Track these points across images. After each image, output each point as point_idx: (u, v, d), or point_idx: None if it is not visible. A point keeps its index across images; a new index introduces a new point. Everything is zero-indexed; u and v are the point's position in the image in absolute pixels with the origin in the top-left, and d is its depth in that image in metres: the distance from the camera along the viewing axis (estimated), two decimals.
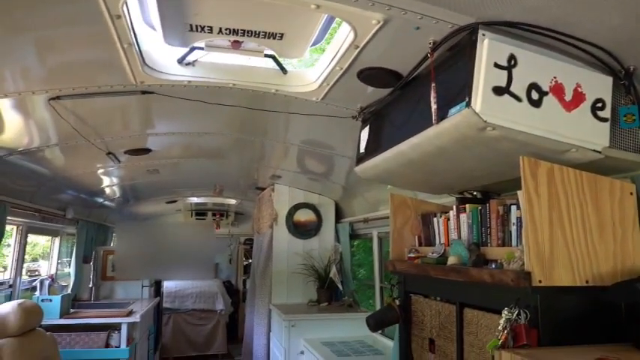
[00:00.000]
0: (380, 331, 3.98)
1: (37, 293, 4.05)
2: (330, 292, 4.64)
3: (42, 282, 4.10)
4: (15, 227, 3.75)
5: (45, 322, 3.51)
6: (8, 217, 3.24)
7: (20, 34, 1.75)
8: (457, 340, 1.91)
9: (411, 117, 1.95)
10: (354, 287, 4.66)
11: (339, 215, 5.03)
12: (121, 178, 4.65)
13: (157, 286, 5.99)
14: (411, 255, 2.31)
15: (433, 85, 1.62)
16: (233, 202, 7.23)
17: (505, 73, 1.48)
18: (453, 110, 1.55)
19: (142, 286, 5.35)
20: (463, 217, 2.08)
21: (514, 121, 1.47)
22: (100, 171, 4.11)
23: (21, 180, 3.44)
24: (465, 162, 1.83)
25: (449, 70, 1.67)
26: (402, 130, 1.99)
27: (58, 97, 2.29)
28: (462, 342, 1.90)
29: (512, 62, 1.49)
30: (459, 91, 1.54)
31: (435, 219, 2.36)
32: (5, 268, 3.95)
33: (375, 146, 2.25)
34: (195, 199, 7.17)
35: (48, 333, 3.41)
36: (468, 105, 1.46)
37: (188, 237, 7.81)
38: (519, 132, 1.48)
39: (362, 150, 2.41)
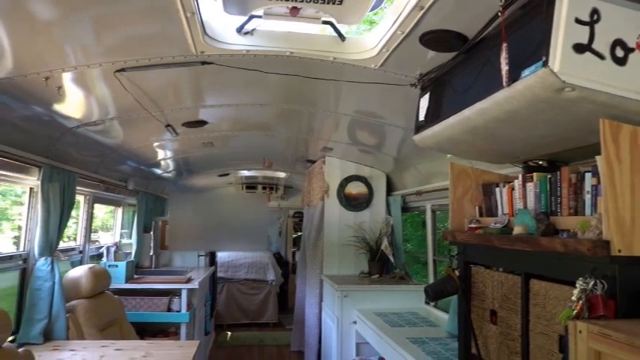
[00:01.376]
0: (433, 304, 3.97)
1: (104, 259, 4.30)
2: (382, 265, 4.64)
3: (108, 249, 4.35)
4: (83, 197, 3.96)
5: (112, 286, 3.74)
6: (77, 188, 3.42)
7: (89, 6, 1.80)
8: (522, 311, 1.86)
9: (476, 81, 1.87)
10: (405, 260, 4.64)
11: (390, 188, 4.98)
12: (178, 150, 4.79)
13: (212, 256, 6.21)
14: (472, 225, 2.25)
15: (505, 45, 1.53)
16: (282, 175, 7.32)
17: (587, 29, 1.37)
18: (526, 71, 1.46)
19: (198, 256, 5.56)
20: (529, 186, 2.00)
21: (595, 80, 1.38)
22: (158, 143, 4.25)
23: (87, 151, 3.61)
24: (535, 128, 1.75)
25: (521, 28, 1.57)
26: (465, 95, 1.92)
27: (122, 69, 2.36)
28: (527, 314, 1.84)
29: (595, 17, 1.38)
30: (533, 51, 1.46)
31: (497, 189, 2.28)
32: (69, 237, 4.21)
33: (436, 114, 2.19)
34: (246, 172, 7.32)
35: (115, 296, 3.63)
36: (545, 64, 1.38)
37: (241, 209, 8.02)
38: (601, 93, 1.39)
39: (421, 118, 2.35)
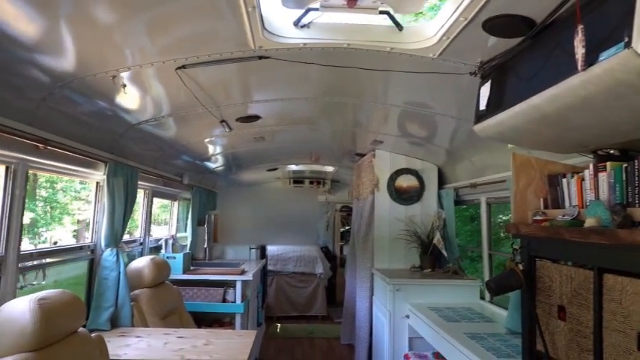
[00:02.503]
0: (488, 299, 3.87)
1: (163, 251, 4.47)
2: (434, 259, 4.57)
3: (166, 241, 4.51)
4: (143, 191, 4.12)
5: (170, 277, 3.88)
6: (139, 182, 3.56)
7: (154, 7, 1.85)
8: (595, 307, 1.78)
9: (545, 67, 1.79)
10: (459, 254, 4.54)
11: (442, 181, 4.89)
12: (229, 145, 4.90)
13: (263, 250, 6.32)
14: (538, 218, 2.17)
15: (580, 26, 1.46)
16: (330, 169, 7.33)
17: None
18: (605, 54, 1.38)
19: (250, 249, 5.68)
20: (602, 176, 1.89)
21: None
22: (212, 138, 4.36)
23: (147, 147, 3.75)
24: (611, 114, 1.65)
25: (598, 8, 1.49)
26: (532, 82, 1.84)
27: (183, 66, 2.43)
28: (600, 309, 1.76)
29: None
30: (613, 32, 1.37)
31: (564, 180, 2.18)
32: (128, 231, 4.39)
33: (499, 102, 2.11)
34: (293, 167, 7.39)
35: (174, 286, 3.76)
36: (628, 45, 1.29)
37: (292, 203, 8.14)
38: None
39: (482, 107, 2.27)
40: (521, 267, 2.23)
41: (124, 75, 2.40)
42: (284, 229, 8.02)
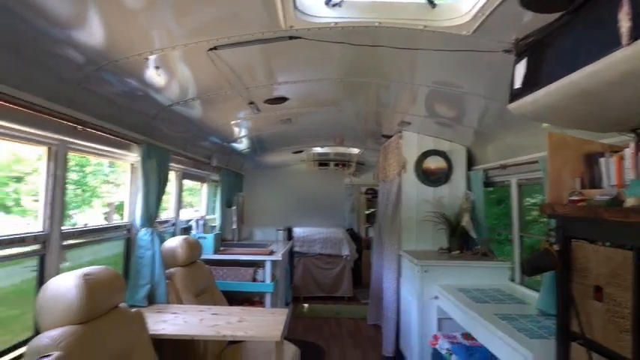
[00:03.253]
0: (519, 282, 3.84)
1: (194, 231, 4.57)
2: (462, 240, 4.54)
3: (197, 222, 4.61)
4: (174, 173, 4.21)
5: (202, 256, 3.97)
6: (170, 164, 3.63)
7: None
8: (634, 288, 1.75)
9: (584, 43, 1.73)
10: (488, 236, 4.50)
11: (470, 162, 4.83)
12: (255, 128, 4.93)
13: (289, 231, 6.39)
14: (574, 198, 2.13)
15: None
16: (356, 151, 7.31)
17: None
18: None
19: (277, 230, 5.75)
20: None
21: None
22: (240, 120, 4.39)
23: (178, 129, 3.81)
24: None
25: None
26: (571, 58, 1.79)
27: (215, 48, 2.45)
28: (639, 290, 1.73)
29: None
30: None
31: (602, 159, 2.13)
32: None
33: (535, 80, 2.06)
34: (318, 149, 7.39)
35: (206, 265, 3.86)
36: None
37: (318, 185, 8.18)
38: None
39: (517, 85, 2.22)
40: (556, 248, 2.21)
41: (157, 57, 2.44)
42: (310, 212, 8.07)
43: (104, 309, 2.07)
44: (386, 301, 5.01)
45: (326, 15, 2.25)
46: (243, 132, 5.04)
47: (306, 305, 7.05)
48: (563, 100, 1.91)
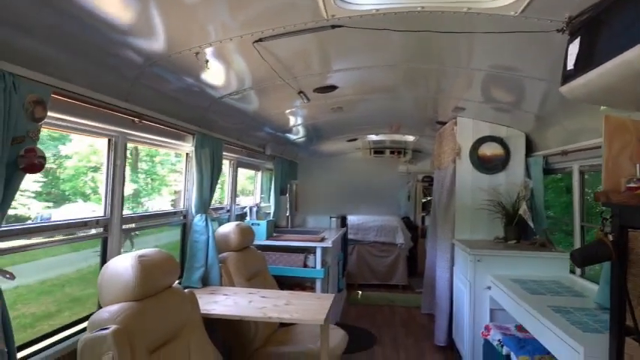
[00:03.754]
0: (579, 273, 3.66)
1: (248, 218, 4.74)
2: (519, 230, 4.37)
3: (251, 209, 4.77)
4: (228, 162, 4.38)
5: (255, 242, 4.12)
6: (223, 153, 3.78)
7: None
8: None
9: None
10: (547, 226, 4.29)
11: (529, 149, 4.61)
12: (308, 116, 4.99)
13: (343, 219, 6.44)
14: (632, 185, 2.00)
15: None
16: (411, 138, 7.20)
17: None
18: None
19: (330, 218, 5.82)
20: None
21: None
22: (291, 109, 4.47)
23: (231, 119, 3.95)
24: None
25: None
26: (628, 36, 1.67)
27: (260, 40, 2.52)
28: None
29: None
30: None
31: None
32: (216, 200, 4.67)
33: (589, 60, 1.95)
34: (373, 137, 7.35)
35: (258, 251, 4.00)
36: None
37: (372, 174, 8.15)
38: None
39: (570, 67, 2.11)
40: (611, 237, 2.09)
41: (206, 51, 2.54)
42: (364, 200, 8.06)
43: (158, 288, 2.22)
44: (439, 290, 4.94)
45: (366, 2, 2.24)
46: (297, 121, 5.12)
47: (359, 292, 7.10)
48: (620, 80, 1.80)
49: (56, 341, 2.13)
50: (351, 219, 7.48)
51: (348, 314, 5.95)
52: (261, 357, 3.22)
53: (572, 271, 3.78)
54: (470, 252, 3.99)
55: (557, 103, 3.40)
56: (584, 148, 3.41)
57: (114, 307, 1.98)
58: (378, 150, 8.16)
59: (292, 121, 5.03)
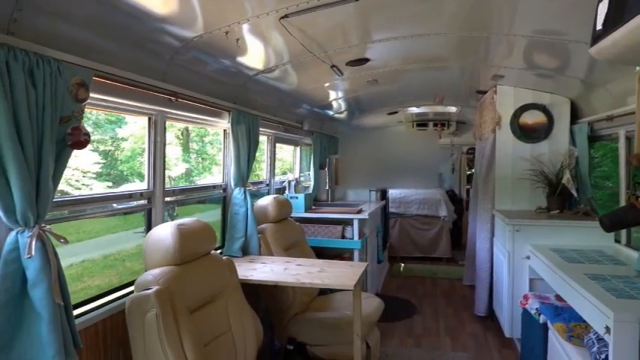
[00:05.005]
0: (625, 243, 3.54)
1: (287, 192, 4.89)
2: (563, 200, 4.26)
3: (289, 183, 4.92)
4: (266, 137, 4.51)
5: (293, 214, 4.27)
6: (260, 129, 3.91)
7: None
8: None
9: None
10: (592, 195, 4.15)
11: (574, 116, 4.43)
12: (345, 91, 5.02)
13: (383, 192, 6.48)
14: None
15: None
16: (454, 110, 7.06)
17: None
18: None
19: (370, 191, 5.88)
20: None
21: None
22: (327, 85, 4.51)
23: (266, 96, 4.07)
24: None
25: None
26: None
27: (286, 16, 2.58)
28: None
29: None
30: None
31: None
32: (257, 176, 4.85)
33: (617, 18, 1.88)
34: (415, 110, 7.26)
35: (297, 223, 4.14)
36: None
37: (411, 147, 8.08)
38: None
39: (599, 27, 2.03)
40: None
41: (236, 29, 2.64)
42: (406, 173, 8.02)
43: (197, 254, 2.41)
44: (479, 261, 4.92)
45: None
46: (336, 95, 5.16)
47: (402, 265, 7.16)
48: None
49: (109, 300, 2.37)
50: (393, 192, 7.50)
51: (390, 286, 6.05)
52: (299, 322, 3.39)
53: (617, 240, 3.66)
54: (508, 222, 3.95)
55: (605, 67, 3.25)
56: (629, 112, 3.26)
57: (156, 271, 2.17)
58: (421, 122, 8.05)
59: (331, 95, 5.07)
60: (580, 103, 4.30)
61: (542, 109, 4.49)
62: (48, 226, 1.76)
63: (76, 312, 2.06)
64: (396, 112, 7.28)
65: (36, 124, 1.67)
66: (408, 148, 8.09)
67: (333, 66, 3.74)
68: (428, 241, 7.43)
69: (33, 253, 1.64)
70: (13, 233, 1.68)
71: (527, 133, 4.55)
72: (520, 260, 3.88)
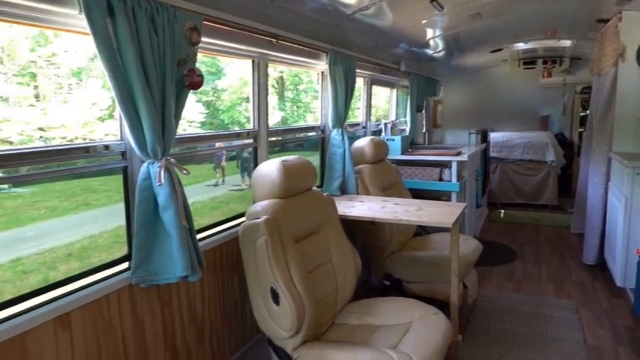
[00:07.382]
0: None
1: (383, 134, 4.89)
2: None
3: (385, 125, 4.90)
4: (362, 79, 4.49)
5: (390, 157, 4.28)
6: (357, 70, 3.90)
7: None
8: None
9: None
10: None
11: None
12: (444, 28, 4.77)
13: (484, 135, 6.19)
14: None
15: None
16: (568, 43, 6.38)
17: None
18: None
19: (469, 134, 5.65)
20: None
21: None
22: (425, 22, 4.32)
23: (363, 36, 4.01)
24: None
25: None
26: None
27: None
28: None
29: None
30: None
31: None
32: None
33: None
34: (522, 46, 6.68)
35: (393, 165, 4.16)
36: None
37: (512, 88, 7.52)
38: None
39: None
40: None
41: None
42: (509, 116, 7.52)
43: (300, 189, 2.55)
44: (590, 207, 4.59)
45: None
46: (434, 33, 4.93)
47: (502, 211, 6.90)
48: None
49: (225, 228, 2.65)
50: (494, 136, 7.13)
51: (489, 231, 5.90)
52: (396, 259, 3.48)
53: None
54: (627, 164, 3.61)
55: None
56: None
57: (264, 202, 2.35)
58: (529, 60, 7.40)
59: (429, 33, 4.86)
60: None
61: None
62: (172, 159, 1.98)
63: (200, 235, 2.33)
64: (500, 50, 6.77)
65: (159, 67, 1.86)
66: (509, 89, 7.53)
67: (432, 0, 3.57)
68: (532, 187, 7.04)
69: (162, 180, 1.87)
70: (145, 164, 1.92)
71: None
72: (639, 206, 3.56)
